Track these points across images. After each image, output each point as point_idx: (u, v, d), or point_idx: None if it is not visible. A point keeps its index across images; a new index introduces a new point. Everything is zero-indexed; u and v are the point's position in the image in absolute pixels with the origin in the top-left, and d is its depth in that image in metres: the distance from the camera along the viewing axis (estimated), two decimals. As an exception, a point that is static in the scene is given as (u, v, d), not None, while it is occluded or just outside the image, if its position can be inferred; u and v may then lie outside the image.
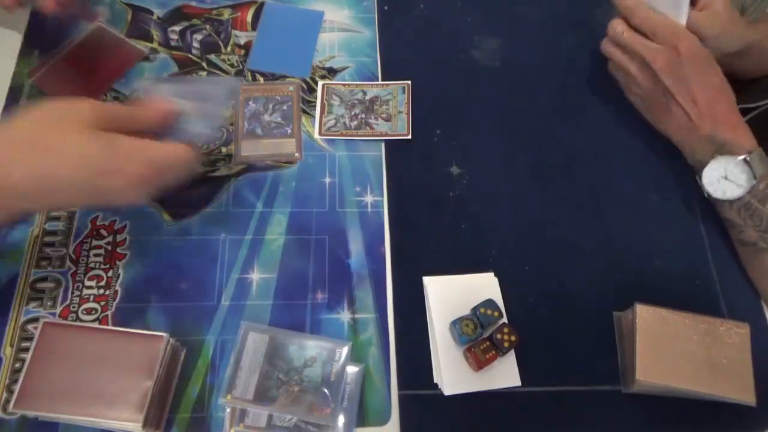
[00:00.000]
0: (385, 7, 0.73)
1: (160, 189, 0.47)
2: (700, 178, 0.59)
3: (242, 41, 0.69)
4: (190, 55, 0.67)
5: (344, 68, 0.68)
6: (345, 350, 0.51)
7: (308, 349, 0.51)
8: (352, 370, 0.52)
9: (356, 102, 0.66)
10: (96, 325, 0.52)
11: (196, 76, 0.65)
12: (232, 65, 0.67)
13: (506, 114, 0.68)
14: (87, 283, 0.54)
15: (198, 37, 0.69)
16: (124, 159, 0.44)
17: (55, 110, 0.45)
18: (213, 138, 0.61)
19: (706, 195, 0.59)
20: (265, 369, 0.49)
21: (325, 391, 0.49)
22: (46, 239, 0.56)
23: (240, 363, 0.49)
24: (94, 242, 0.56)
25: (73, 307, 0.53)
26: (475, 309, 0.54)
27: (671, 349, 0.51)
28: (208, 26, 0.69)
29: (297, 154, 0.62)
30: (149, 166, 0.45)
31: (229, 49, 0.68)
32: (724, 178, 0.57)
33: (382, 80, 0.67)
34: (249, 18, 0.71)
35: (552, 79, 0.70)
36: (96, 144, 0.44)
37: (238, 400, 0.48)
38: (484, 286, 0.57)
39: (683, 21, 0.60)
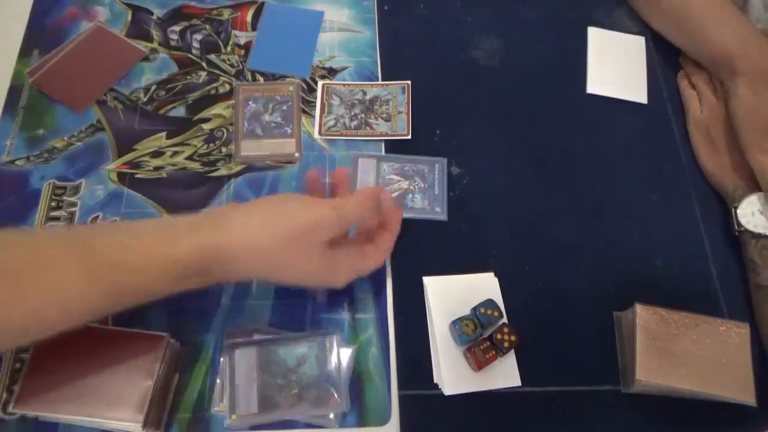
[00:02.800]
0: (385, 7, 0.73)
1: None
2: (736, 209, 0.60)
3: (242, 41, 0.69)
4: (190, 55, 0.67)
5: (344, 68, 0.68)
6: (334, 339, 0.51)
7: (298, 347, 0.51)
8: (346, 353, 0.52)
9: (356, 102, 0.66)
10: (96, 325, 0.52)
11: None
12: (232, 65, 0.67)
13: (506, 114, 0.68)
14: (87, 283, 0.54)
15: (198, 37, 0.69)
16: (337, 279, 0.51)
17: (303, 227, 0.47)
18: None
19: (735, 230, 0.60)
20: (261, 379, 0.49)
21: (326, 384, 0.50)
22: (46, 239, 0.56)
23: (235, 381, 0.49)
24: (94, 242, 0.56)
25: (73, 307, 0.53)
26: (475, 309, 0.54)
27: (671, 349, 0.51)
28: (208, 26, 0.69)
29: (297, 154, 0.62)
30: (352, 276, 0.52)
31: (229, 49, 0.68)
32: (759, 212, 0.59)
33: (382, 80, 0.67)
34: (249, 18, 0.71)
35: (552, 79, 0.70)
36: (320, 268, 0.49)
37: (244, 417, 0.48)
38: (484, 286, 0.57)
39: None
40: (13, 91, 0.63)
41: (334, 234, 0.48)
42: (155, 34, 0.68)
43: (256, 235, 0.46)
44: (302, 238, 0.46)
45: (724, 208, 0.63)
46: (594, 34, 0.74)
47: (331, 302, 0.55)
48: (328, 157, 0.63)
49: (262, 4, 0.72)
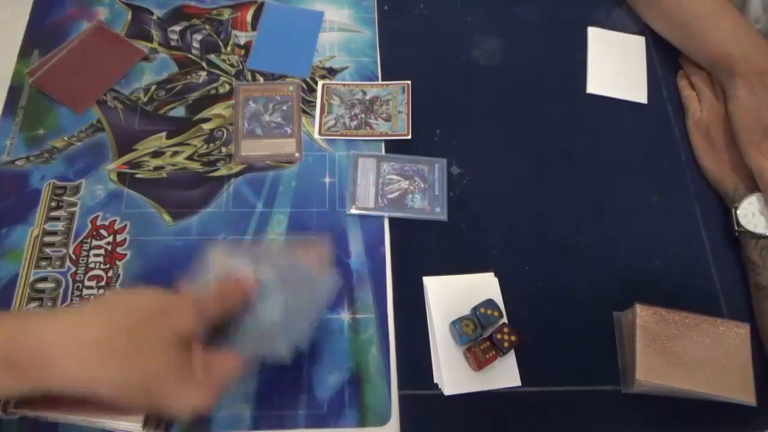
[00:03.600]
0: (385, 7, 0.73)
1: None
2: (736, 209, 0.60)
3: (242, 41, 0.69)
4: (190, 55, 0.67)
5: (344, 68, 0.68)
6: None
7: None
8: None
9: (356, 102, 0.66)
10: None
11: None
12: (232, 65, 0.67)
13: (506, 114, 0.68)
14: (87, 283, 0.54)
15: (198, 37, 0.69)
16: (186, 388, 0.40)
17: (156, 310, 0.40)
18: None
19: (735, 230, 0.60)
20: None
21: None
22: (46, 239, 0.56)
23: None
24: (94, 242, 0.56)
25: (73, 307, 0.53)
26: (475, 309, 0.54)
27: (671, 349, 0.51)
28: (207, 26, 0.69)
29: (297, 154, 0.62)
30: (209, 393, 0.41)
31: (229, 49, 0.68)
32: (759, 212, 0.59)
33: (382, 80, 0.67)
34: (249, 18, 0.71)
35: (552, 79, 0.70)
36: (167, 366, 0.39)
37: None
38: (484, 286, 0.57)
39: None
40: (13, 91, 0.63)
41: (189, 332, 0.41)
42: (155, 34, 0.68)
43: (83, 323, 0.38)
44: (152, 323, 0.39)
45: (724, 208, 0.63)
46: (594, 34, 0.74)
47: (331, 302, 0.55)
48: (328, 157, 0.63)
49: (262, 4, 0.72)
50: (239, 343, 0.44)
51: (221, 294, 0.44)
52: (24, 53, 0.65)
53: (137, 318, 0.39)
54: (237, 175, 0.61)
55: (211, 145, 0.62)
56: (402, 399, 0.52)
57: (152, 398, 0.39)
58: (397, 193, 0.61)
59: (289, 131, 0.64)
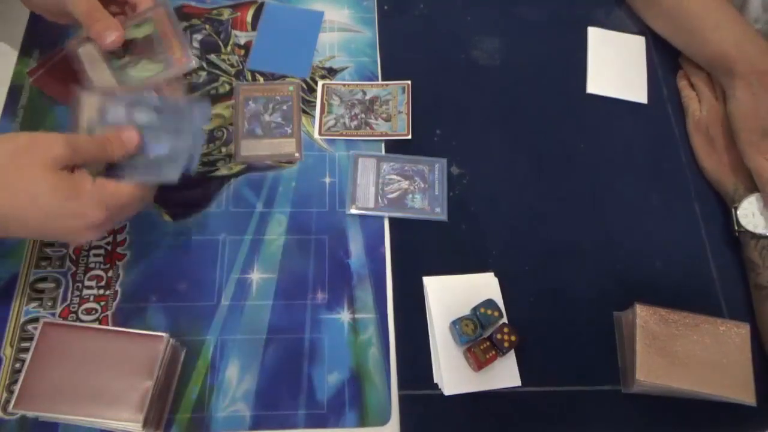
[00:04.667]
0: (385, 7, 0.73)
1: (113, 226, 0.47)
2: (736, 209, 0.60)
3: (242, 41, 0.69)
4: (190, 55, 0.67)
5: (344, 68, 0.68)
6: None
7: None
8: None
9: (356, 102, 0.66)
10: (96, 325, 0.52)
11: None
12: (232, 65, 0.67)
13: (506, 114, 0.68)
14: (87, 283, 0.54)
15: (198, 37, 0.69)
16: (79, 204, 0.43)
17: (22, 144, 0.43)
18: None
19: (735, 230, 0.60)
20: None
21: None
22: (46, 239, 0.56)
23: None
24: (94, 242, 0.56)
25: (73, 307, 0.53)
26: (475, 309, 0.54)
27: (671, 349, 0.51)
28: (208, 26, 0.69)
29: (297, 154, 0.62)
30: (104, 209, 0.44)
31: (229, 49, 0.68)
32: (759, 212, 0.59)
33: (382, 80, 0.67)
34: (249, 18, 0.71)
35: (552, 79, 0.70)
36: (53, 188, 0.42)
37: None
38: (484, 286, 0.57)
39: None
40: (13, 91, 0.63)
41: (64, 157, 0.43)
42: (155, 34, 0.68)
43: None
44: (24, 155, 0.42)
45: (724, 208, 0.63)
46: (594, 34, 0.74)
47: (331, 302, 0.55)
48: (328, 157, 0.63)
49: (262, 4, 0.72)
50: (129, 175, 0.47)
51: (101, 143, 0.46)
52: (24, 53, 0.65)
53: (16, 148, 0.42)
54: (237, 175, 0.61)
55: (211, 145, 0.62)
56: (402, 399, 0.52)
57: (36, 228, 0.44)
58: (397, 193, 0.61)
59: (289, 131, 0.64)
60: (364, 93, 0.66)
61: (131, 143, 0.48)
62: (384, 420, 0.51)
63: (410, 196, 0.61)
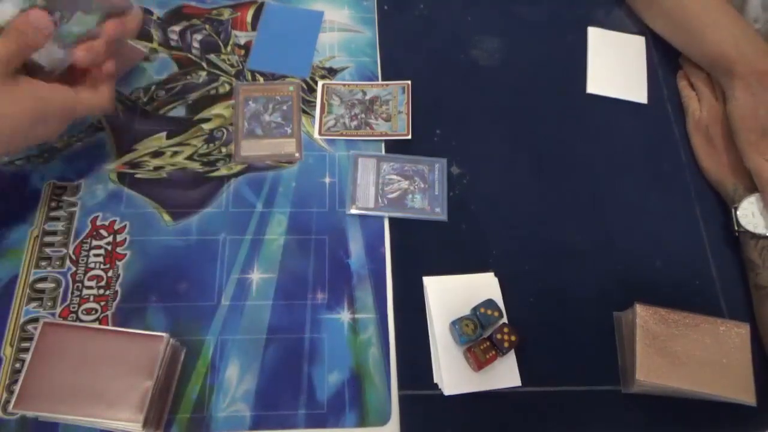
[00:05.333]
0: (385, 7, 0.73)
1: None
2: (736, 209, 0.60)
3: (242, 41, 0.69)
4: (190, 55, 0.67)
5: (344, 68, 0.68)
6: None
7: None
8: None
9: (356, 102, 0.66)
10: (96, 325, 0.52)
11: None
12: (232, 65, 0.67)
13: (506, 114, 0.68)
14: (87, 283, 0.54)
15: (198, 37, 0.69)
16: (19, 105, 0.46)
17: None
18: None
19: (735, 230, 0.60)
20: None
21: None
22: (46, 239, 0.56)
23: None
24: (94, 242, 0.56)
25: (73, 307, 0.53)
26: (475, 309, 0.54)
27: (671, 349, 0.51)
28: (208, 26, 0.69)
29: (297, 154, 0.62)
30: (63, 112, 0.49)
31: (229, 49, 0.68)
32: (759, 212, 0.59)
33: (382, 80, 0.67)
34: (249, 18, 0.71)
35: (552, 79, 0.70)
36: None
37: None
38: (484, 286, 0.57)
39: None
40: None
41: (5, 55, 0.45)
42: (155, 34, 0.68)
43: None
44: None
45: (724, 208, 0.63)
46: (594, 34, 0.74)
47: (331, 302, 0.55)
48: (328, 157, 0.63)
49: (262, 4, 0.72)
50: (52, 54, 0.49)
51: (15, 35, 0.46)
52: (24, 53, 0.65)
53: None
54: (237, 175, 0.61)
55: (211, 145, 0.62)
56: (402, 399, 0.52)
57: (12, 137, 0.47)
58: (397, 193, 0.61)
59: (289, 131, 0.64)
60: (364, 93, 0.66)
61: (42, 20, 0.47)
62: (384, 420, 0.51)
63: (410, 196, 0.61)
